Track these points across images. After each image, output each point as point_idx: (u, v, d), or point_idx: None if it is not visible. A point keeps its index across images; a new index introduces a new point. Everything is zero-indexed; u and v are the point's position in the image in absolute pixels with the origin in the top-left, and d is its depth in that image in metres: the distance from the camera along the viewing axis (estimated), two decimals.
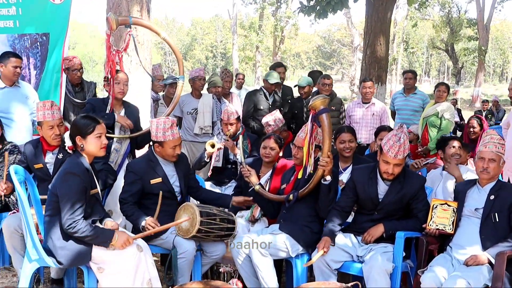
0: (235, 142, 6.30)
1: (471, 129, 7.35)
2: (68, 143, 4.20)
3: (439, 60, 69.90)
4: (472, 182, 4.53)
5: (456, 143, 5.60)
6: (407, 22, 39.43)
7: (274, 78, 8.10)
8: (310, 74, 8.87)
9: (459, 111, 18.42)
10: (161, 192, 4.85)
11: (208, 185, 6.28)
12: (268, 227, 5.09)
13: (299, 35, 46.49)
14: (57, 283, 4.85)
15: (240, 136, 5.69)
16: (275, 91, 8.14)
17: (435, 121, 7.67)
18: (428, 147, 7.45)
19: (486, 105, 15.60)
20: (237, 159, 6.28)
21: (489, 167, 4.30)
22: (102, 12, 6.54)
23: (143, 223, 4.64)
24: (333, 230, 4.59)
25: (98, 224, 4.31)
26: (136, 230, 4.85)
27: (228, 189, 6.29)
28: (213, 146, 6.12)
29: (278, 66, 8.75)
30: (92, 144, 4.19)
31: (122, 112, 5.67)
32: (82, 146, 4.16)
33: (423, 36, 54.79)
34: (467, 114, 20.33)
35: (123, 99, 5.75)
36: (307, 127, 4.79)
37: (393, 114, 9.01)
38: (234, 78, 10.64)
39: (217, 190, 6.25)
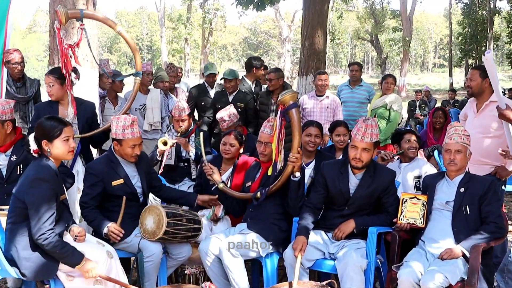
0: (187, 139, 6.14)
1: (437, 119, 7.89)
2: (33, 146, 3.91)
3: (363, 51, 71.34)
4: (441, 175, 4.54)
5: (411, 137, 5.61)
6: (333, 13, 39.97)
7: (208, 70, 8.12)
8: (247, 61, 8.64)
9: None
10: (124, 197, 4.63)
11: None
12: (233, 226, 4.97)
13: (226, 27, 46.38)
14: None
15: (201, 134, 5.51)
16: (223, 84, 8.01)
17: (383, 113, 7.73)
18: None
19: (419, 95, 15.88)
20: (190, 156, 6.12)
21: (455, 159, 4.32)
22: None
23: (105, 230, 4.43)
24: (307, 228, 4.50)
25: (67, 235, 4.04)
26: (97, 234, 4.64)
27: (182, 187, 6.13)
28: (165, 143, 5.92)
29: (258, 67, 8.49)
30: (60, 148, 3.93)
31: (71, 111, 5.34)
32: (49, 150, 3.90)
33: (347, 27, 55.68)
34: None
35: (76, 96, 5.44)
36: (275, 122, 4.68)
37: None
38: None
39: None
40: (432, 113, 8.23)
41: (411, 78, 48.62)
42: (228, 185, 5.17)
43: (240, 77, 8.14)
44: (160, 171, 5.96)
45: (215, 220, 5.16)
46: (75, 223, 4.24)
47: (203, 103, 7.84)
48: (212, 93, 7.99)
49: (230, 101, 7.44)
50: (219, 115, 6.36)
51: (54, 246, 3.74)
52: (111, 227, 4.43)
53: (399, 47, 37.92)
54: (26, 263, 3.80)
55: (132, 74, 5.84)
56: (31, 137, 3.93)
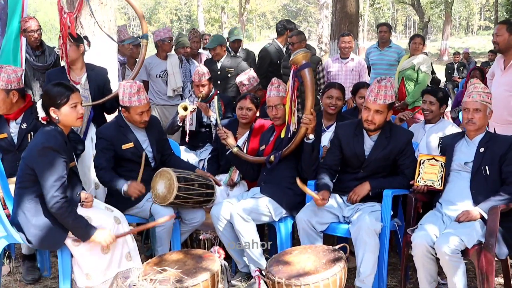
0: (208, 104, 6.05)
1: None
2: (41, 114, 3.83)
3: (405, 15, 69.77)
4: (460, 135, 4.34)
5: (428, 98, 5.36)
6: None
7: (234, 35, 8.02)
8: (279, 24, 8.44)
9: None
10: (143, 153, 4.60)
11: (182, 150, 6.05)
12: (248, 190, 4.88)
13: None
14: (29, 259, 4.57)
15: (215, 97, 5.41)
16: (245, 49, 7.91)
17: (411, 75, 7.48)
18: (405, 102, 7.28)
19: (457, 57, 15.44)
20: (211, 122, 6.03)
21: (474, 118, 4.11)
22: None
23: (125, 188, 4.38)
24: (328, 185, 4.40)
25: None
26: (111, 196, 4.62)
27: (203, 153, 6.06)
28: (185, 109, 5.85)
29: (285, 29, 8.30)
30: (68, 115, 3.83)
31: (84, 77, 5.28)
32: (57, 117, 3.82)
33: None
34: (436, 68, 20.30)
35: (87, 62, 5.38)
36: (288, 83, 4.55)
37: (368, 69, 8.80)
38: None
39: (191, 154, 6.04)
40: (470, 73, 7.96)
41: (455, 41, 47.33)
42: (245, 150, 5.07)
43: (271, 40, 8.02)
44: (186, 139, 5.90)
45: (232, 185, 5.09)
46: (84, 190, 4.18)
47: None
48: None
49: (219, 68, 7.32)
50: (238, 79, 6.25)
51: (67, 216, 3.68)
52: (133, 184, 4.38)
53: (441, 9, 36.93)
54: (34, 230, 3.75)
55: (138, 37, 5.73)
56: (39, 104, 3.86)
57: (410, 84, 7.46)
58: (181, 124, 6.02)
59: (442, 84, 15.18)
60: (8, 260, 4.81)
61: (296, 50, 4.56)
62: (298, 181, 4.15)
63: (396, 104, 7.43)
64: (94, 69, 5.41)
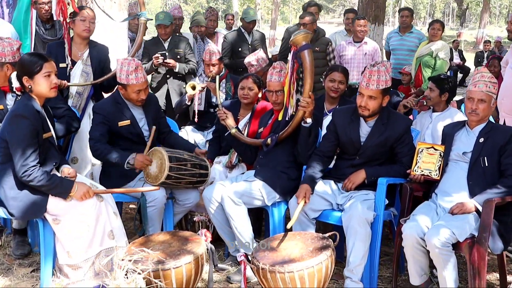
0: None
1: (492, 68, 7.52)
2: (15, 84, 3.83)
3: (444, 2, 68.45)
4: (461, 124, 4.17)
5: (431, 85, 5.20)
6: None
7: (251, 16, 7.81)
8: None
9: (460, 52, 17.98)
10: (154, 127, 4.58)
11: (189, 130, 6.00)
12: (244, 173, 4.80)
13: None
14: (19, 234, 4.58)
15: (217, 77, 5.29)
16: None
17: (429, 61, 7.30)
18: (422, 88, 7.09)
19: (488, 45, 15.10)
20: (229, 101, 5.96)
21: (478, 108, 3.93)
22: None
23: (131, 161, 4.34)
24: (313, 177, 4.28)
25: (54, 171, 3.99)
26: (105, 173, 4.58)
27: (211, 134, 5.98)
28: (193, 88, 5.80)
29: (310, 6, 8.23)
30: (41, 85, 3.81)
31: (86, 53, 5.24)
32: (30, 87, 3.80)
33: None
34: (470, 56, 19.91)
35: (90, 38, 5.33)
36: (287, 65, 4.44)
37: (388, 55, 8.61)
38: (224, 18, 10.22)
39: (198, 134, 5.98)
40: (488, 62, 7.75)
41: (494, 30, 46.27)
42: (246, 132, 4.98)
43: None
44: (196, 119, 5.84)
45: (230, 167, 5.02)
46: (68, 164, 4.16)
47: (240, 49, 7.60)
48: (250, 39, 7.74)
49: (166, 48, 6.97)
50: (247, 60, 6.16)
51: (40, 180, 3.68)
52: (139, 156, 4.34)
53: None
54: (14, 202, 3.76)
55: (137, 15, 5.63)
56: (13, 75, 3.84)
57: (427, 71, 7.27)
58: (189, 103, 5.96)
59: (471, 72, 14.85)
60: (0, 234, 4.82)
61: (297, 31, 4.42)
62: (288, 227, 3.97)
63: (413, 91, 7.26)
64: (96, 45, 5.36)
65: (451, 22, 61.67)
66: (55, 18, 5.61)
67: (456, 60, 17.31)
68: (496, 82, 4.00)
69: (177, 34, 7.23)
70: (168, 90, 6.88)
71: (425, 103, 5.23)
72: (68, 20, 5.19)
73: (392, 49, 8.31)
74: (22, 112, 3.71)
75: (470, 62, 17.86)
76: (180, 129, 6.21)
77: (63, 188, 3.77)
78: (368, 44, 7.28)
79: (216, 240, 4.63)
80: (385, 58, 8.98)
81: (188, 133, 5.98)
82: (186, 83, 6.68)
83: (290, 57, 4.37)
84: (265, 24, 44.66)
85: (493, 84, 3.96)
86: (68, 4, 5.13)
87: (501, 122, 5.00)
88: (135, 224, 4.74)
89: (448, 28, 52.20)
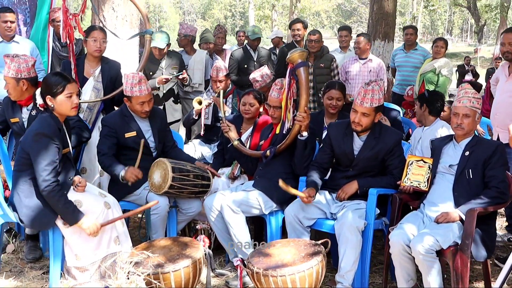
0: (224, 100, 6.21)
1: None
2: (39, 101, 4.09)
3: (462, 18, 68.43)
4: (449, 138, 4.39)
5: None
6: None
7: (255, 34, 8.03)
8: None
9: (473, 69, 18.10)
10: (142, 140, 4.81)
11: (196, 143, 6.24)
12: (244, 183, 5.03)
13: None
14: (31, 239, 4.84)
15: (221, 92, 5.53)
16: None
17: (432, 78, 7.50)
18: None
19: (499, 62, 15.14)
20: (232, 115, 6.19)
21: (463, 123, 4.15)
22: None
23: (122, 173, 4.60)
24: (316, 182, 4.51)
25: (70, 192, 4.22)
26: (113, 182, 4.82)
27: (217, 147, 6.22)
28: (200, 103, 6.05)
29: (295, 23, 8.48)
30: (63, 105, 4.06)
31: (98, 70, 5.50)
32: (52, 106, 4.06)
33: None
34: (481, 72, 20.02)
35: (113, 54, 5.61)
36: (284, 81, 4.68)
37: (394, 71, 8.81)
38: (235, 35, 10.48)
39: (205, 147, 6.20)
40: (489, 78, 7.90)
41: None
42: (248, 144, 5.21)
43: None
44: (202, 132, 6.08)
45: (233, 178, 5.24)
46: (79, 175, 4.41)
47: (246, 66, 7.84)
48: (255, 56, 7.99)
49: (164, 65, 7.18)
50: (252, 76, 6.39)
51: (57, 200, 3.90)
52: (130, 169, 4.60)
53: (496, 13, 36.12)
54: (26, 210, 4.01)
55: (142, 32, 5.91)
56: (38, 92, 4.11)
57: (430, 87, 7.45)
58: (196, 118, 6.21)
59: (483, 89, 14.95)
60: (14, 239, 5.08)
61: (294, 49, 4.66)
62: (280, 182, 4.26)
63: (415, 107, 7.44)
64: (108, 62, 5.62)
65: (469, 38, 61.67)
66: (62, 41, 5.87)
67: (468, 77, 17.44)
68: (480, 97, 4.22)
69: (170, 50, 7.47)
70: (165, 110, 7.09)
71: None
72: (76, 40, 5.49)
73: (398, 65, 8.52)
74: (46, 131, 3.95)
75: (483, 79, 18.01)
76: (187, 142, 6.48)
77: (72, 217, 3.96)
78: (373, 61, 7.49)
79: (218, 247, 4.87)
80: (390, 75, 9.19)
81: (196, 146, 6.23)
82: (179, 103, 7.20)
83: (287, 74, 4.60)
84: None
85: (477, 99, 4.17)
86: (75, 27, 5.41)
87: (494, 137, 5.19)
88: (139, 232, 4.98)
89: (466, 44, 52.17)
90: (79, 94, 4.30)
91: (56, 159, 3.97)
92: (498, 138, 5.12)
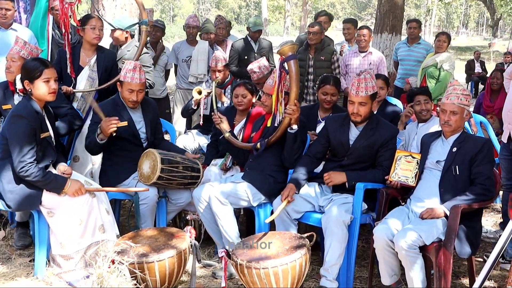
0: (223, 90, 6.22)
1: (495, 80, 7.80)
2: (18, 85, 4.18)
3: (478, 12, 67.87)
4: (438, 134, 4.37)
5: (421, 98, 5.38)
6: None
7: (256, 25, 8.00)
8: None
9: (482, 63, 17.93)
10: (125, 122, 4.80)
11: (194, 133, 6.26)
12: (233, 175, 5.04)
13: None
14: (22, 226, 4.88)
15: (213, 83, 5.51)
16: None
17: (433, 72, 7.44)
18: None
19: (508, 57, 14.99)
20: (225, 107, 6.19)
21: (450, 120, 4.12)
22: None
23: (98, 131, 4.64)
24: (299, 179, 4.52)
25: (51, 168, 4.29)
26: (104, 173, 4.87)
27: None
28: (199, 92, 6.04)
29: (321, 15, 8.44)
30: (40, 89, 4.13)
31: (94, 59, 5.53)
32: (30, 90, 4.12)
33: None
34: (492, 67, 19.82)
35: (98, 44, 5.62)
36: (275, 74, 4.67)
37: (396, 65, 8.76)
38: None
39: (203, 138, 6.22)
40: (491, 74, 7.87)
41: None
42: (241, 136, 5.20)
43: None
44: (200, 122, 6.09)
45: (225, 169, 5.25)
46: (64, 162, 4.45)
47: (246, 57, 7.83)
48: (256, 48, 7.98)
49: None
50: (249, 67, 6.36)
51: (36, 176, 3.99)
52: (101, 124, 4.61)
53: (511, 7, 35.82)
54: (11, 195, 4.08)
55: (138, 23, 5.91)
56: (18, 77, 4.16)
57: (432, 82, 7.41)
58: (195, 108, 6.21)
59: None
60: (5, 227, 5.14)
61: (284, 43, 4.66)
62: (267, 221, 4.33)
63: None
64: (104, 51, 5.65)
65: (484, 32, 61.20)
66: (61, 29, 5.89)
67: (477, 70, 17.29)
68: (468, 94, 4.18)
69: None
70: None
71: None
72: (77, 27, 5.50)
73: (400, 59, 8.45)
74: (21, 113, 4.04)
75: None
76: (185, 132, 6.49)
77: (57, 184, 4.08)
78: (374, 54, 7.45)
79: (208, 238, 4.89)
80: (392, 68, 9.14)
81: (194, 136, 6.25)
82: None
83: (277, 67, 4.59)
84: (296, 31, 44.84)
85: (465, 96, 4.14)
86: (70, 17, 5.43)
87: (505, 134, 5.02)
88: (129, 222, 5.02)
89: (482, 38, 51.76)
90: (58, 80, 4.34)
91: (33, 141, 4.03)
92: (510, 135, 4.98)
